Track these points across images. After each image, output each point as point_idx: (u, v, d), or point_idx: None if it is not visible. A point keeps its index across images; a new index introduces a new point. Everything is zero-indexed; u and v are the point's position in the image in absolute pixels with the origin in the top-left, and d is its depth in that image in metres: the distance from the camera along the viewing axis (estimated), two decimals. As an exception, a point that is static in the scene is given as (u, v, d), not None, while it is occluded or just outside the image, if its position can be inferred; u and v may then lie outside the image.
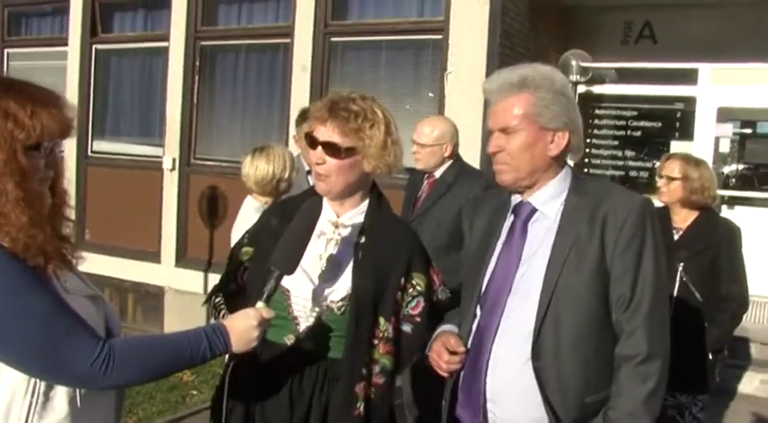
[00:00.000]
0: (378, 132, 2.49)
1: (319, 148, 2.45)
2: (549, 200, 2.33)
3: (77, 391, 1.93)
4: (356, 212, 2.57)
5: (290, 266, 2.28)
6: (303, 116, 5.33)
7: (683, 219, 4.00)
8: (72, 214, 2.06)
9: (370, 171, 2.51)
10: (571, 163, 2.47)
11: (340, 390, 2.43)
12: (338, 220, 2.55)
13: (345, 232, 2.54)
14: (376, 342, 2.48)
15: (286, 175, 4.24)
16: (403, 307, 2.56)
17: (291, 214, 2.44)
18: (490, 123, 2.37)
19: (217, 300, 2.66)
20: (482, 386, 2.30)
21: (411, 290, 2.56)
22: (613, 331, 2.24)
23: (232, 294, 2.64)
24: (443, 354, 2.38)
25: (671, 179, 3.98)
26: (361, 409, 2.44)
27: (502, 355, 2.28)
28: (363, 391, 2.44)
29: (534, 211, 2.35)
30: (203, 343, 2.01)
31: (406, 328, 2.56)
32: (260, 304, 2.18)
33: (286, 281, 2.38)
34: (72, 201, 2.09)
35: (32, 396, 1.86)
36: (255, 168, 4.21)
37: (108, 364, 1.84)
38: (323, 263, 2.51)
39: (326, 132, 2.45)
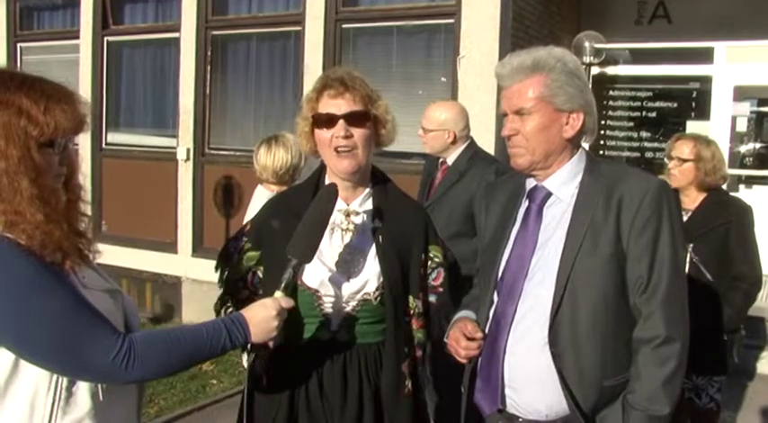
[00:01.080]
0: (382, 101, 2.50)
1: (341, 121, 2.41)
2: (564, 183, 2.32)
3: (99, 385, 1.93)
4: (364, 197, 2.55)
5: (308, 255, 2.25)
6: None
7: (692, 200, 3.93)
8: (88, 209, 2.06)
9: (382, 142, 2.52)
10: (586, 146, 2.45)
11: (388, 373, 2.45)
12: (349, 208, 2.52)
13: (358, 220, 2.52)
14: (408, 319, 2.51)
15: (302, 164, 4.25)
16: (427, 281, 2.58)
17: (296, 208, 2.42)
18: (504, 106, 2.35)
19: (230, 311, 2.61)
20: (500, 372, 2.29)
21: (430, 262, 2.58)
22: (631, 314, 2.23)
23: (245, 302, 2.52)
24: (461, 340, 2.38)
25: (683, 161, 3.90)
26: (410, 385, 2.49)
27: (519, 341, 2.27)
28: (408, 369, 2.49)
29: (549, 195, 2.34)
30: (223, 334, 2.01)
31: (432, 298, 2.60)
32: (278, 294, 2.17)
33: (311, 279, 2.39)
34: (88, 195, 2.08)
35: (55, 392, 1.87)
36: (274, 158, 4.21)
37: (129, 358, 1.84)
38: (344, 255, 2.48)
39: (347, 104, 2.42)
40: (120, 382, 1.92)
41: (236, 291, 2.63)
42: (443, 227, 4.28)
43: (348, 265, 2.47)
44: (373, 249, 2.47)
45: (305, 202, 2.42)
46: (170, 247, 9.11)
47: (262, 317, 2.09)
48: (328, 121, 2.42)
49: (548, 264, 2.25)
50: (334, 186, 2.41)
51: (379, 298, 2.45)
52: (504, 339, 2.29)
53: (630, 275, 2.21)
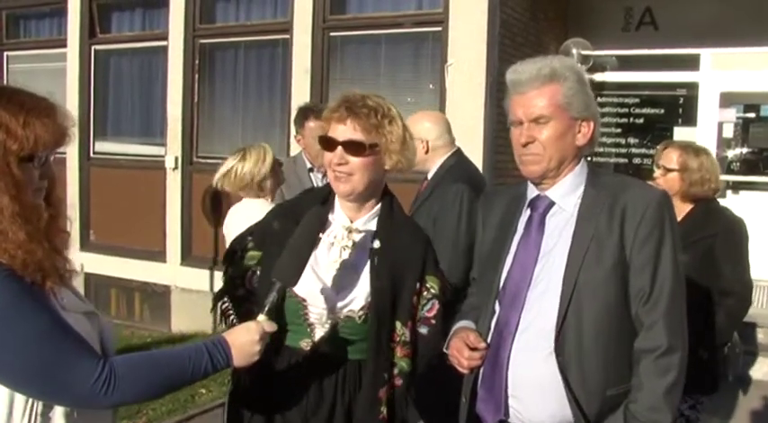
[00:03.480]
0: (396, 127, 2.50)
1: (339, 148, 2.42)
2: (567, 193, 2.34)
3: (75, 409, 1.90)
4: (370, 217, 2.55)
5: (292, 279, 2.25)
6: (303, 115, 5.27)
7: (680, 210, 3.68)
8: (69, 225, 2.01)
9: (390, 167, 2.51)
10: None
11: (365, 396, 2.44)
12: (352, 226, 2.52)
13: (358, 237, 2.51)
14: (393, 346, 2.48)
15: (263, 172, 4.18)
16: (419, 310, 2.54)
17: (297, 217, 2.42)
18: (519, 114, 2.35)
19: (224, 306, 2.63)
20: (503, 381, 2.30)
21: (425, 293, 2.55)
22: (633, 324, 2.25)
23: (241, 299, 2.61)
24: (464, 350, 2.37)
25: (668, 170, 3.75)
26: (385, 412, 2.45)
27: (523, 350, 2.28)
28: (385, 395, 2.46)
29: (552, 204, 2.36)
30: (205, 358, 1.98)
31: (423, 330, 2.55)
32: (261, 317, 2.15)
33: (301, 288, 2.39)
34: (70, 210, 2.02)
35: (30, 416, 1.83)
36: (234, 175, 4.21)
37: (109, 383, 1.80)
38: (338, 269, 2.48)
39: (347, 131, 2.43)
40: (99, 407, 1.88)
41: (235, 288, 2.63)
42: None
43: (339, 280, 2.47)
44: (367, 269, 2.47)
45: (310, 209, 2.44)
46: (159, 255, 9.07)
47: (244, 341, 2.06)
48: (329, 144, 2.46)
49: (552, 273, 2.27)
50: (325, 209, 2.44)
51: (363, 317, 2.44)
52: (508, 349, 2.30)
53: (633, 286, 2.24)
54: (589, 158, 8.83)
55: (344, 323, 2.45)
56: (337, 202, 2.55)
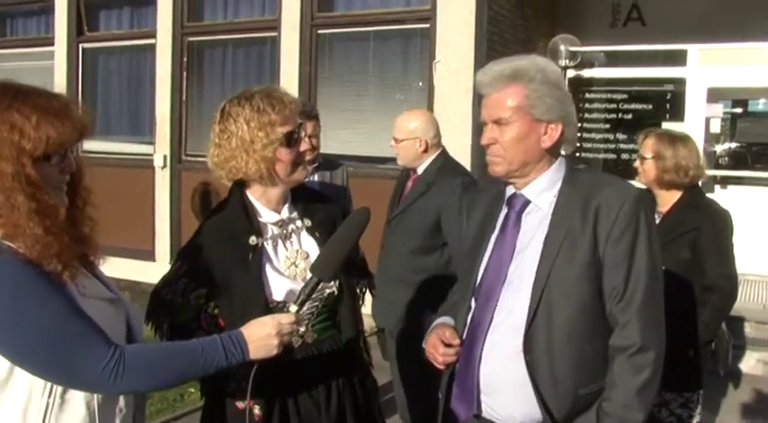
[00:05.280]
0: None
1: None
2: (543, 191, 2.33)
3: (95, 394, 1.93)
4: (289, 204, 2.59)
5: (327, 273, 2.25)
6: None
7: (664, 202, 3.70)
8: (96, 213, 2.04)
9: None
10: (563, 152, 2.46)
11: (353, 357, 2.63)
12: (282, 218, 2.55)
13: (292, 225, 2.57)
14: (360, 302, 2.72)
15: None
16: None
17: (232, 235, 2.44)
18: (483, 115, 2.35)
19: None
20: (475, 378, 2.30)
21: None
22: (607, 323, 2.24)
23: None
24: (439, 346, 2.38)
25: (644, 159, 3.73)
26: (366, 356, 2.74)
27: (494, 347, 2.28)
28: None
29: (528, 202, 2.34)
30: (219, 352, 2.00)
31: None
32: (293, 308, 2.17)
33: (277, 293, 2.42)
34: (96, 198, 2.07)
35: (49, 397, 1.87)
36: None
37: (118, 370, 1.84)
38: (295, 261, 2.52)
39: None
40: (107, 392, 1.92)
41: (190, 333, 2.41)
42: (408, 238, 4.26)
43: (302, 268, 2.52)
44: (316, 246, 2.54)
45: (240, 223, 2.47)
46: (148, 255, 9.06)
47: (260, 335, 2.07)
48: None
49: (524, 271, 2.26)
50: (367, 209, 2.41)
51: (336, 290, 2.54)
52: (480, 346, 2.29)
53: (607, 284, 2.22)
54: (577, 154, 8.90)
55: (323, 304, 2.50)
56: (257, 203, 2.54)
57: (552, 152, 2.33)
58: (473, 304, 2.38)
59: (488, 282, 2.33)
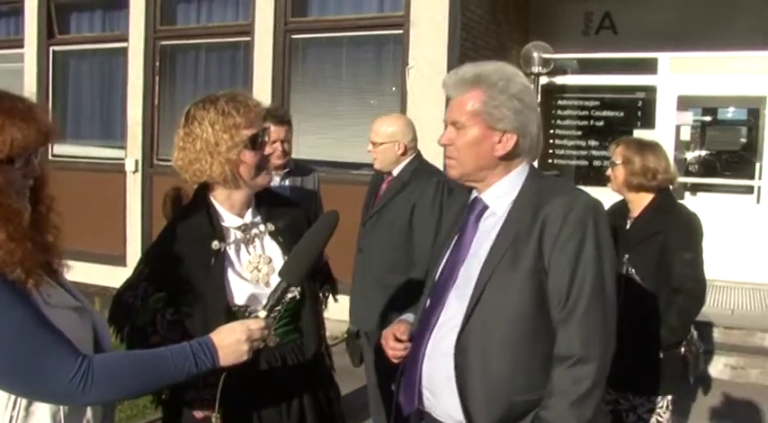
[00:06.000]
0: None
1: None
2: (500, 197, 2.33)
3: (61, 405, 1.89)
4: (252, 208, 2.58)
5: (296, 277, 2.25)
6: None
7: (635, 206, 3.77)
8: (60, 220, 1.99)
9: None
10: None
11: (316, 362, 2.61)
12: (246, 222, 2.55)
13: (255, 230, 2.56)
14: (323, 306, 2.77)
15: None
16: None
17: (196, 237, 2.43)
18: (445, 115, 2.38)
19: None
20: (419, 374, 2.33)
21: None
22: (553, 331, 2.20)
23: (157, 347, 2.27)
24: (389, 340, 2.44)
25: (614, 165, 3.79)
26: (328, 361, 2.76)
27: (435, 346, 2.30)
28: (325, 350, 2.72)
29: (486, 207, 2.35)
30: (188, 359, 1.96)
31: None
32: (262, 313, 2.16)
33: (239, 298, 2.42)
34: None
35: (13, 410, 1.83)
36: None
37: (86, 380, 1.79)
38: (258, 265, 2.52)
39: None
40: (76, 404, 1.88)
41: (146, 338, 2.42)
42: (384, 237, 4.29)
43: (264, 273, 2.52)
44: (279, 251, 2.54)
45: (204, 227, 2.46)
46: (119, 260, 8.97)
47: (231, 340, 2.04)
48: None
49: (470, 274, 2.27)
50: (335, 212, 2.41)
51: (296, 294, 2.52)
52: (425, 344, 2.32)
53: (551, 291, 2.18)
54: (549, 161, 8.95)
55: (285, 308, 2.47)
56: (221, 207, 2.53)
57: (509, 160, 2.32)
58: (428, 303, 2.42)
59: (441, 283, 2.36)
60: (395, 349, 2.42)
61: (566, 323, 2.16)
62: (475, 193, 2.41)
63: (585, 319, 2.15)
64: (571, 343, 2.14)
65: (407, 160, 4.36)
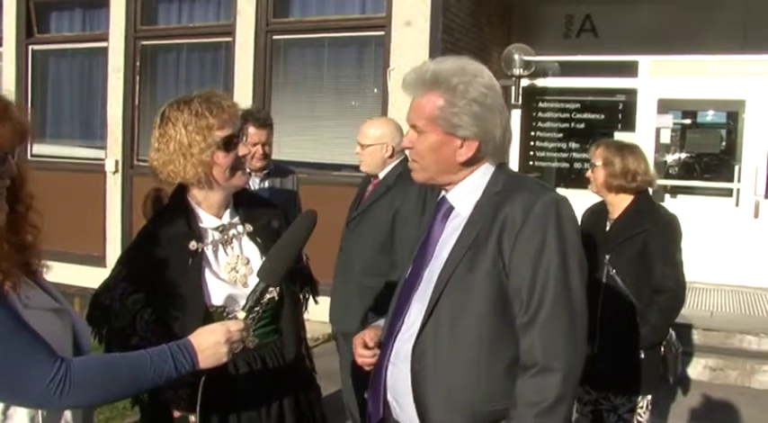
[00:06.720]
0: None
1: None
2: (465, 197, 2.21)
3: (39, 410, 1.86)
4: (230, 210, 2.57)
5: (275, 278, 2.23)
6: (242, 119, 5.24)
7: (615, 207, 3.79)
8: (39, 220, 1.96)
9: None
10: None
11: (296, 363, 2.60)
12: (223, 223, 2.53)
13: (233, 231, 2.55)
14: (302, 308, 2.75)
15: None
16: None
17: (174, 238, 2.41)
18: (407, 117, 2.26)
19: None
20: (383, 381, 2.27)
21: None
22: (517, 337, 2.07)
23: (136, 348, 2.24)
24: (358, 347, 2.39)
25: (594, 166, 3.82)
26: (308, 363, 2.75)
27: (398, 353, 2.22)
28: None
29: (452, 208, 2.24)
30: (168, 362, 1.94)
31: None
32: (241, 314, 2.15)
33: (217, 298, 2.40)
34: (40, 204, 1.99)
35: None
36: None
37: (64, 384, 1.77)
38: (236, 266, 2.51)
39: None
40: (54, 408, 1.85)
41: (125, 339, 2.40)
42: (367, 239, 4.29)
43: (242, 274, 2.50)
44: (257, 251, 2.53)
45: (181, 228, 2.44)
46: (98, 260, 8.92)
47: (210, 342, 2.01)
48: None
49: (432, 277, 2.16)
50: (313, 212, 2.39)
51: (275, 295, 2.52)
52: (390, 350, 2.25)
53: (513, 294, 2.05)
54: (530, 163, 8.96)
55: (263, 309, 2.48)
56: (198, 207, 2.52)
57: (472, 164, 2.20)
58: (393, 308, 2.34)
59: (407, 287, 2.27)
60: (363, 356, 2.36)
61: (527, 329, 2.01)
62: (443, 192, 2.30)
63: (549, 324, 2.00)
64: (533, 350, 2.00)
65: (394, 164, 4.35)
